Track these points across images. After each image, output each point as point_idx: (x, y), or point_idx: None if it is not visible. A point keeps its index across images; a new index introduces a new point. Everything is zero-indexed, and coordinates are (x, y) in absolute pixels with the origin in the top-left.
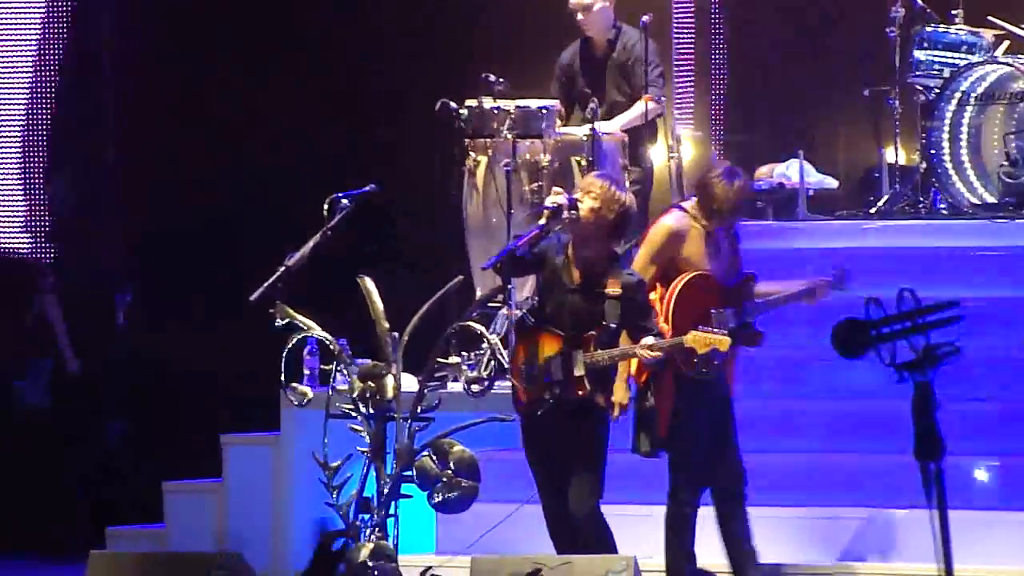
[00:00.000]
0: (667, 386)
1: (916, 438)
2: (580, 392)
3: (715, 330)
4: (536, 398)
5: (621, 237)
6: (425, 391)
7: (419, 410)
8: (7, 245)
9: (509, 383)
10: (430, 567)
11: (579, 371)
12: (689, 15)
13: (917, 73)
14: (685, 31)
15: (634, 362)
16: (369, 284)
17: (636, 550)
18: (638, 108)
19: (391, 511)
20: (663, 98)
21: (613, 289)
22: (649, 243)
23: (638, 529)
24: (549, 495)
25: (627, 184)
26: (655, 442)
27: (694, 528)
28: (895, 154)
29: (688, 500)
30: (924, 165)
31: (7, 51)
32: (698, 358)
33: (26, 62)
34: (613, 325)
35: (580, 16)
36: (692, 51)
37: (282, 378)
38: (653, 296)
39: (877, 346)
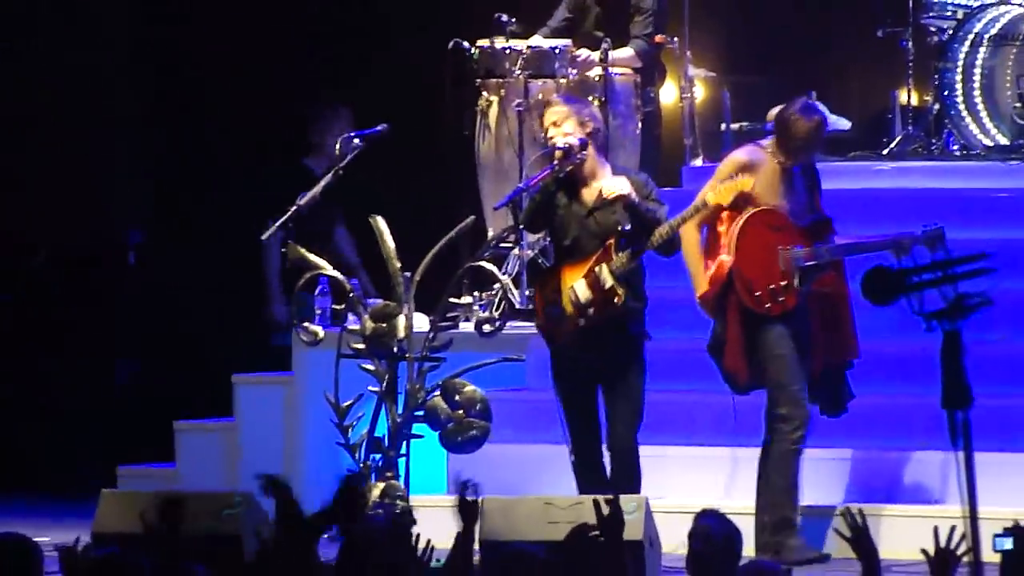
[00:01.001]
0: (734, 319)
1: (943, 387)
2: (616, 301)
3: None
4: (568, 330)
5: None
6: (436, 331)
7: (430, 350)
8: None
9: (536, 329)
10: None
11: (608, 282)
12: None
13: (930, 14)
14: None
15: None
16: (381, 224)
17: (647, 491)
18: (624, 52)
19: (402, 451)
20: (674, 41)
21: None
22: (717, 173)
23: (649, 470)
24: (580, 430)
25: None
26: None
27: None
28: (908, 95)
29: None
30: (937, 106)
31: None
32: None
33: None
34: (627, 227)
35: None
36: None
37: (294, 318)
38: (721, 229)
39: (908, 294)
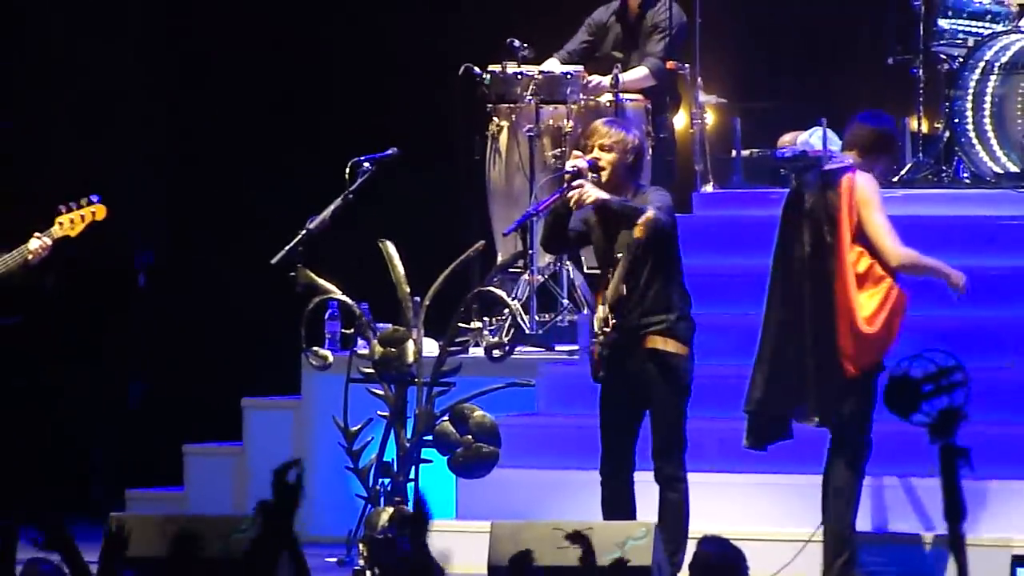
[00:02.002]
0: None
1: (945, 502)
2: (607, 330)
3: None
4: (599, 356)
5: (641, 172)
6: (446, 356)
7: (440, 375)
8: None
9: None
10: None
11: (602, 312)
12: None
13: (941, 42)
14: None
15: None
16: (391, 248)
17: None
18: (637, 72)
19: (411, 476)
20: (685, 67)
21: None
22: (875, 199)
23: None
24: (610, 459)
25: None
26: None
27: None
28: (918, 123)
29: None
30: (947, 134)
31: None
32: None
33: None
34: (619, 255)
35: None
36: (717, 18)
37: (303, 342)
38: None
39: (920, 405)
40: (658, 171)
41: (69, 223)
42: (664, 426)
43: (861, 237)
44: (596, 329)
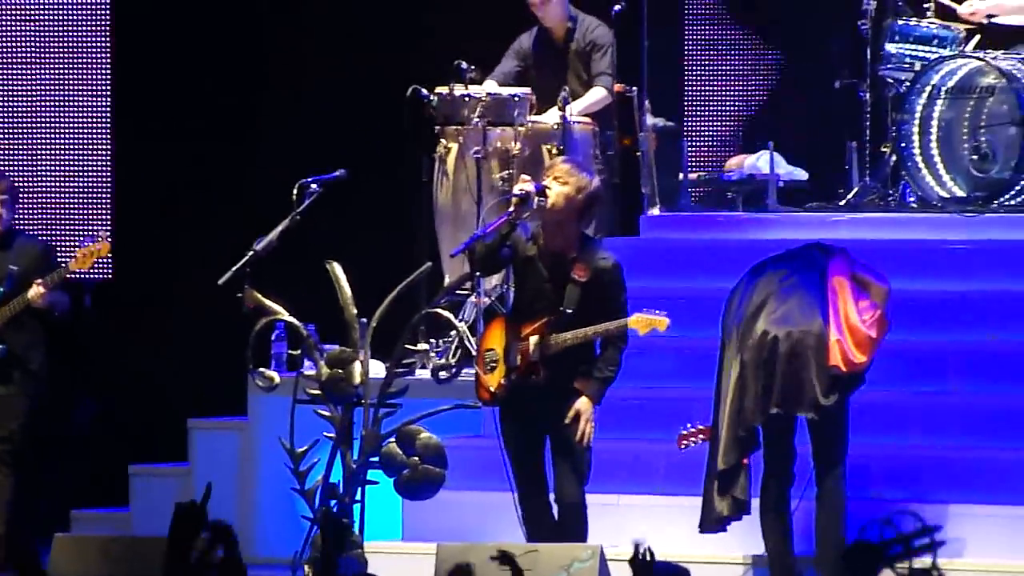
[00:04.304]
0: None
1: None
2: (533, 377)
3: (656, 311)
4: (496, 386)
5: (591, 220)
6: (393, 377)
7: (386, 396)
8: None
9: (474, 373)
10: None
11: (534, 356)
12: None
13: (888, 66)
14: (655, 20)
15: None
16: (338, 270)
17: (601, 539)
18: (595, 94)
19: (357, 497)
20: (633, 89)
21: (579, 275)
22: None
23: (602, 518)
24: (527, 482)
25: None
26: None
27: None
28: (865, 147)
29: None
30: (894, 158)
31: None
32: None
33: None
34: (570, 311)
35: (537, 9)
36: (664, 41)
37: (249, 363)
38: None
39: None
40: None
41: (82, 258)
42: (579, 453)
43: None
44: (513, 360)
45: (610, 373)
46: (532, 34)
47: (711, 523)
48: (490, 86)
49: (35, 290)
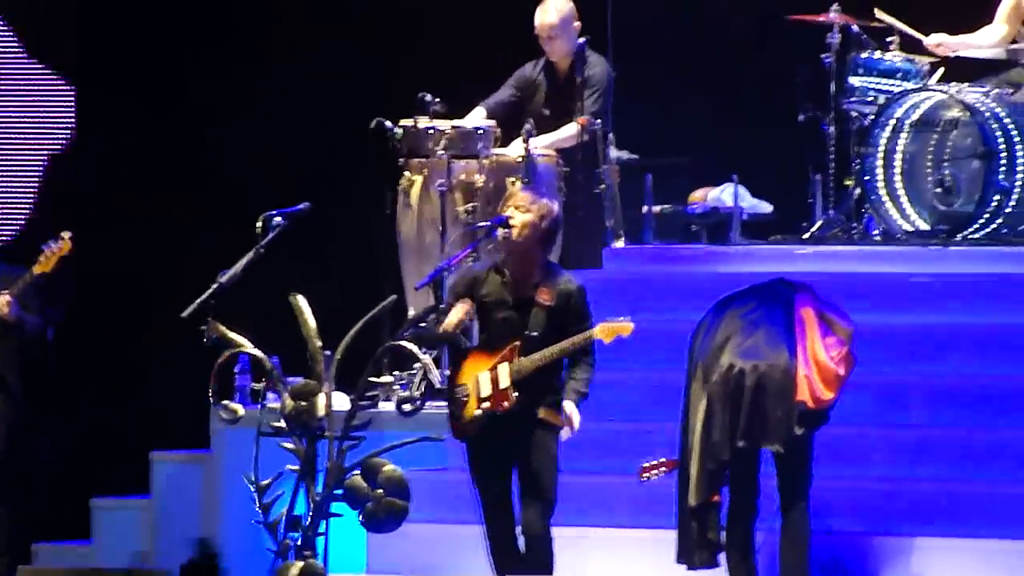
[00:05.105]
0: None
1: None
2: (506, 403)
3: (620, 318)
4: (470, 419)
5: (552, 244)
6: (357, 410)
7: (350, 429)
8: None
9: (446, 407)
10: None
11: (504, 383)
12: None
13: (852, 99)
14: (621, 52)
15: None
16: (302, 302)
17: (567, 571)
18: (567, 130)
19: (321, 530)
20: (597, 123)
21: (544, 299)
22: None
23: (569, 550)
24: (495, 515)
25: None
26: None
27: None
28: (829, 180)
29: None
30: (858, 191)
31: None
32: None
33: None
34: (535, 334)
35: (545, 43)
36: (629, 74)
37: (213, 396)
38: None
39: None
40: (569, 224)
41: (45, 260)
42: (546, 486)
43: None
44: (485, 390)
45: (584, 389)
46: (538, 65)
47: (688, 558)
48: (477, 113)
49: (2, 299)
